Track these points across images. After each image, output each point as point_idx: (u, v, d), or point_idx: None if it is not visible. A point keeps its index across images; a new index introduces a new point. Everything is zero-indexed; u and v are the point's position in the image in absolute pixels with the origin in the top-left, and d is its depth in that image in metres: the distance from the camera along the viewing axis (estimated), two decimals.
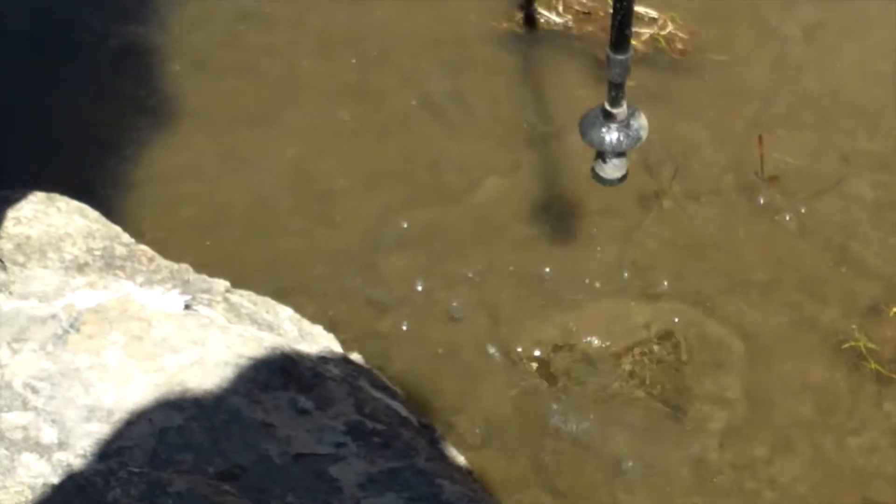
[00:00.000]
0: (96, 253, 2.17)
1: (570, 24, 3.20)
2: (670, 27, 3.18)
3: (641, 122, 2.19)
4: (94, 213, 2.32)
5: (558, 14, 3.21)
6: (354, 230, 2.89)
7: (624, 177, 2.25)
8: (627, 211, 2.89)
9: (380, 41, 3.23)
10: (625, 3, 2.02)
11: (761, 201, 2.89)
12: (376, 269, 2.81)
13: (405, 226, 2.89)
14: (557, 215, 2.91)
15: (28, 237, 2.17)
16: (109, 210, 2.62)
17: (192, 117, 3.08)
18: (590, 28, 3.20)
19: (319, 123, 3.08)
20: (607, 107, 2.16)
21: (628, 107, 2.16)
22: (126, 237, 2.28)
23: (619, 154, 2.21)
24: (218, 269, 2.56)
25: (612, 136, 2.18)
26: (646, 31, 3.18)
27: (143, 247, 2.26)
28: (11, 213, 2.24)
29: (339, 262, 2.82)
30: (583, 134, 2.22)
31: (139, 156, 3.00)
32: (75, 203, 2.33)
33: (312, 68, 3.20)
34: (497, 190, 2.97)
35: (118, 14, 3.26)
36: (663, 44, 3.17)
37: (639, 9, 3.13)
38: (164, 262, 2.23)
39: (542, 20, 3.21)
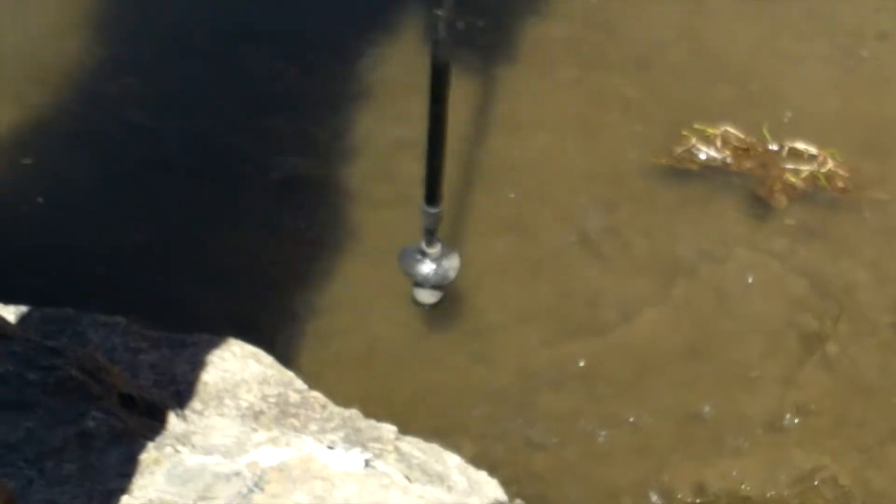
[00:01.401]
0: (271, 400, 2.25)
1: (729, 159, 3.24)
2: (830, 164, 3.20)
3: (453, 262, 2.63)
4: (268, 359, 2.39)
5: (716, 149, 3.25)
6: (510, 367, 2.94)
7: (439, 301, 2.67)
8: (789, 352, 2.90)
9: (536, 175, 3.29)
10: (435, 165, 2.50)
11: None
12: (534, 407, 2.85)
13: (562, 363, 2.92)
14: (717, 354, 2.93)
15: (205, 383, 2.25)
16: (268, 343, 2.71)
17: (349, 249, 3.16)
18: (748, 164, 3.23)
19: (475, 257, 3.14)
20: (423, 247, 2.60)
21: (443, 247, 2.60)
22: (299, 383, 2.35)
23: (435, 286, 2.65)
24: (375, 404, 2.63)
25: (426, 270, 2.61)
26: (805, 168, 3.20)
27: (315, 393, 2.33)
28: (188, 358, 2.32)
29: (497, 400, 2.86)
30: (400, 266, 2.65)
31: (297, 288, 3.08)
32: (249, 348, 2.41)
33: (469, 201, 3.26)
34: (654, 327, 3.00)
35: (280, 146, 3.37)
36: (823, 181, 3.19)
37: (799, 145, 3.19)
38: (335, 409, 2.29)
39: (700, 155, 3.25)
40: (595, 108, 3.42)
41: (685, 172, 3.25)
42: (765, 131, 3.29)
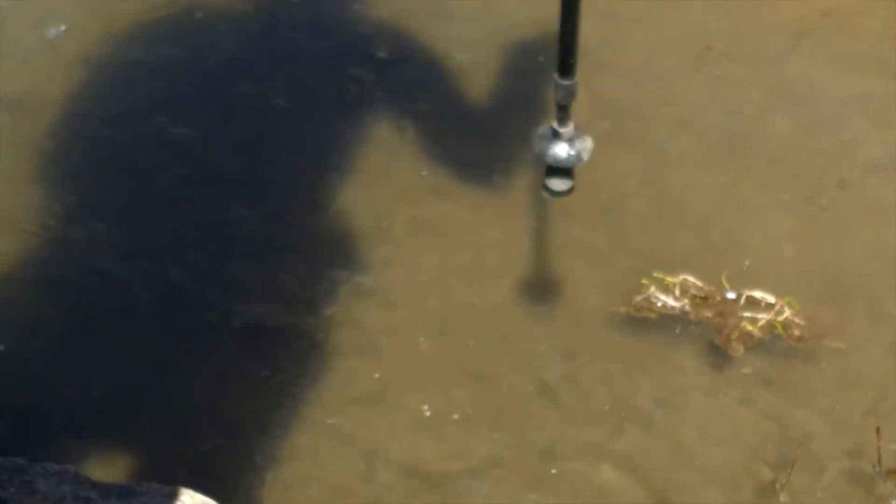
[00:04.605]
0: None
1: (687, 307, 3.42)
2: (787, 312, 3.38)
3: (585, 144, 2.66)
4: None
5: (675, 298, 3.43)
6: None
7: (570, 190, 2.72)
8: (745, 503, 3.04)
9: (498, 323, 3.46)
10: (568, 32, 2.46)
11: (878, 495, 3.03)
12: None
13: None
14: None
15: None
16: (226, 491, 2.87)
17: (311, 398, 3.32)
18: (707, 313, 3.41)
19: (435, 406, 3.31)
20: (555, 126, 2.62)
21: (575, 129, 2.63)
22: None
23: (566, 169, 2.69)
24: None
25: (557, 150, 2.63)
26: (762, 317, 3.38)
27: None
28: None
29: None
30: (532, 148, 2.68)
31: (258, 437, 3.24)
32: (200, 497, 2.57)
33: (430, 349, 3.43)
34: (611, 476, 3.15)
35: (244, 293, 3.54)
36: (780, 329, 3.36)
37: (756, 294, 3.37)
38: None
39: (658, 304, 3.43)
40: (558, 256, 3.60)
41: (644, 321, 3.42)
42: (723, 280, 3.48)
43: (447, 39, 4.17)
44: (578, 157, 2.66)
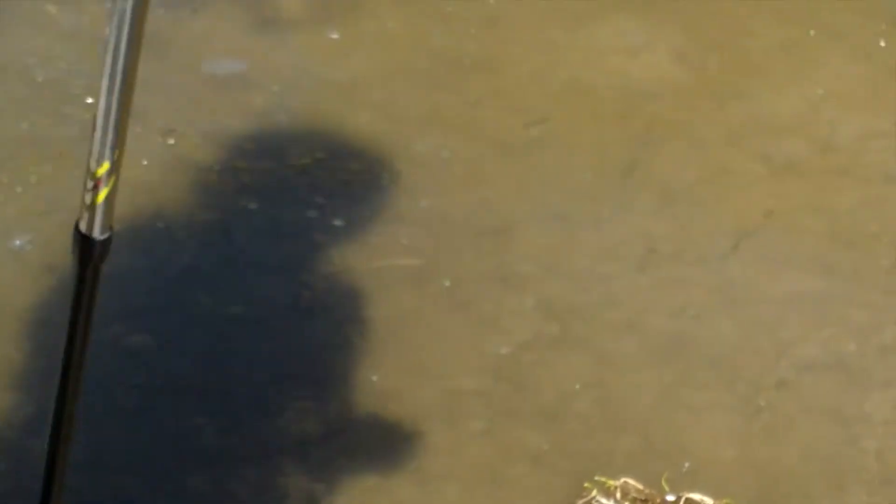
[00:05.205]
0: None
1: None
2: None
3: None
4: None
5: (616, 501, 3.51)
6: None
7: None
8: None
9: None
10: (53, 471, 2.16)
11: None
12: None
13: None
14: None
15: None
16: None
17: None
18: None
19: None
20: None
21: None
22: None
23: None
24: None
25: None
26: None
27: None
28: None
29: None
30: None
31: None
32: None
33: None
34: None
35: None
36: None
37: (694, 496, 3.46)
38: None
39: None
40: (503, 460, 3.69)
41: None
42: (663, 482, 3.56)
43: (399, 245, 4.31)
44: None
